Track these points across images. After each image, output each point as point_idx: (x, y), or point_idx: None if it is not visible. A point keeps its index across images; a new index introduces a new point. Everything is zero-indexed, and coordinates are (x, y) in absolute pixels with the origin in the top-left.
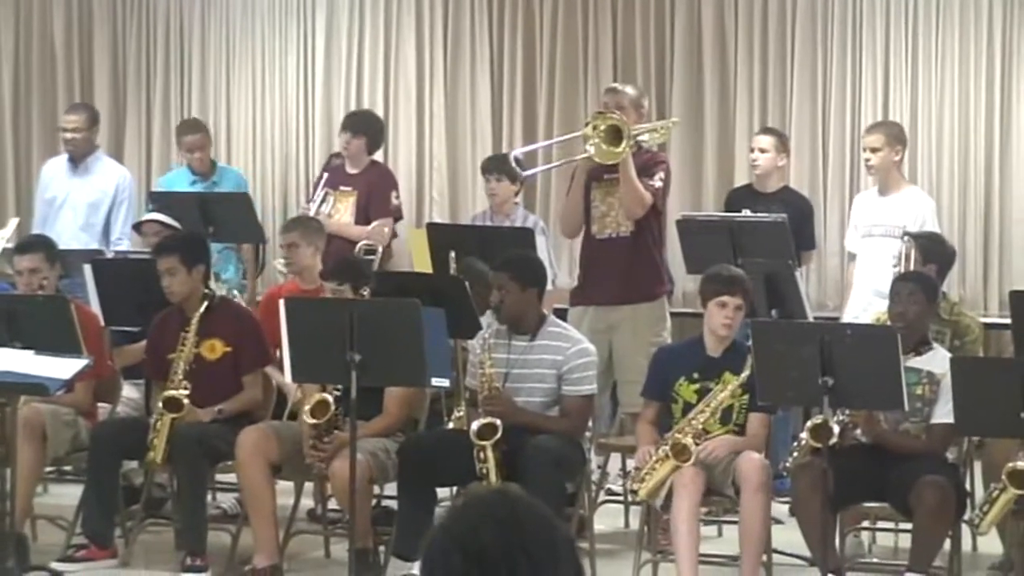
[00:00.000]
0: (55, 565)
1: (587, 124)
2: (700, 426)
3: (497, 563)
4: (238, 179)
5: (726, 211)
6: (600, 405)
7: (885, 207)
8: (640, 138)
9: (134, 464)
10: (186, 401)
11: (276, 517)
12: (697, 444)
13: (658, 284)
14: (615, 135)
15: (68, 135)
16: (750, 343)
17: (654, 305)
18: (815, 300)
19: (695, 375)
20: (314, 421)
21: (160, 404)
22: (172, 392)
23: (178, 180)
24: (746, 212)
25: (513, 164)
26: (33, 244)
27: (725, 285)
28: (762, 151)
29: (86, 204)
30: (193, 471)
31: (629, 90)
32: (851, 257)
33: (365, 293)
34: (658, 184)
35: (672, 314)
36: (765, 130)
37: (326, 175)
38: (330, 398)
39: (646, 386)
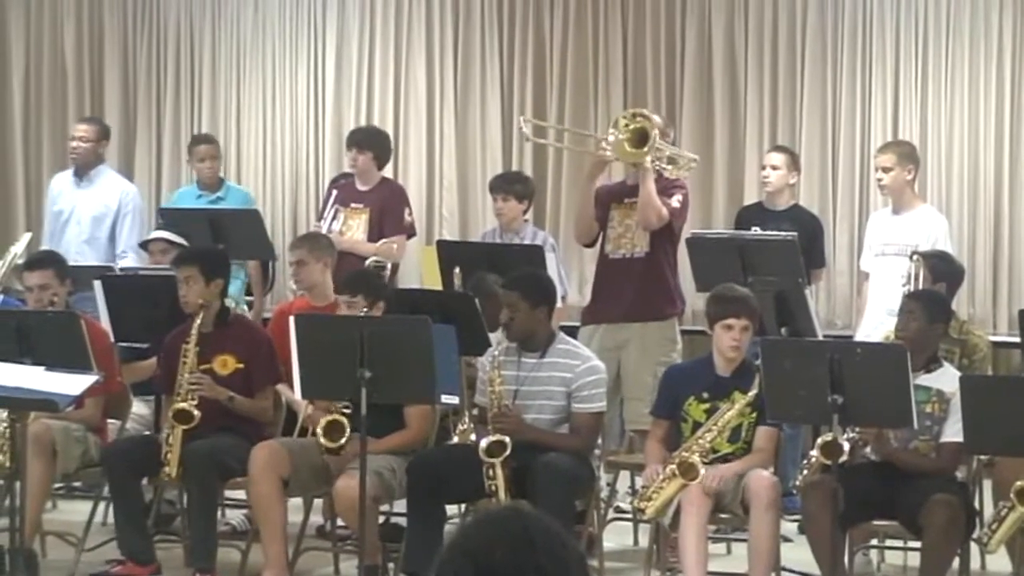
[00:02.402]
0: None
1: (623, 115)
2: (708, 445)
3: None
4: (245, 199)
5: (736, 228)
6: (609, 422)
7: (898, 226)
8: (662, 166)
9: (143, 481)
10: (196, 412)
11: (286, 533)
12: (705, 462)
13: (669, 305)
14: (640, 139)
15: (75, 143)
16: (759, 362)
17: (664, 325)
18: (824, 318)
19: (704, 394)
20: (332, 445)
21: (170, 416)
22: (182, 404)
23: (185, 196)
24: (756, 230)
25: (523, 126)
26: (43, 260)
27: (731, 307)
28: (774, 168)
29: (91, 218)
30: (204, 488)
31: (656, 118)
32: (865, 276)
33: (380, 306)
34: (676, 204)
35: (682, 332)
36: (777, 148)
37: (335, 192)
38: (344, 420)
39: (655, 404)
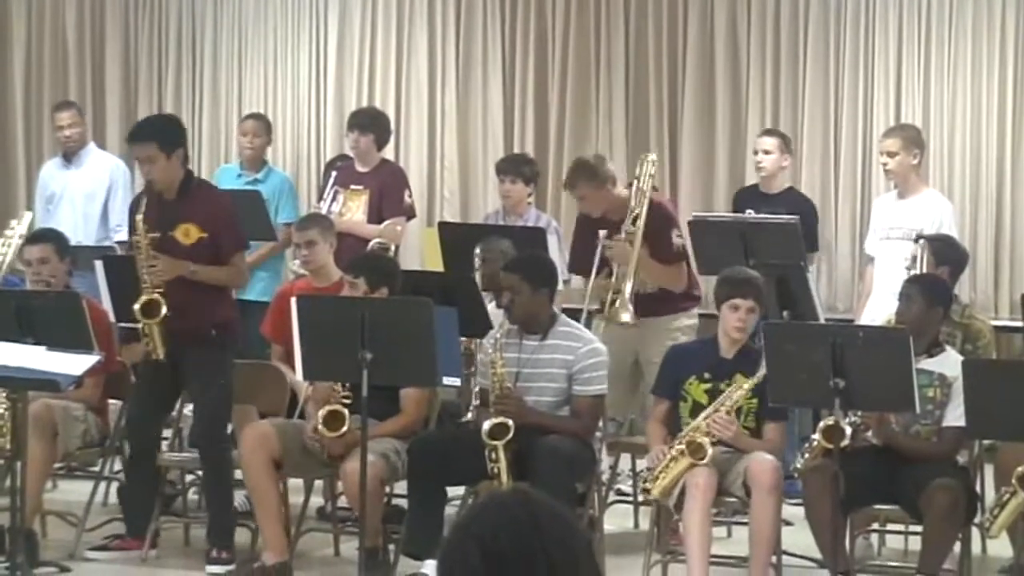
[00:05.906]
0: (90, 553)
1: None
2: None
3: (517, 564)
4: (283, 182)
5: (733, 210)
6: (611, 406)
7: (903, 210)
8: (644, 199)
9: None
10: (162, 301)
11: (282, 514)
12: (712, 443)
13: (690, 301)
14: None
15: (67, 132)
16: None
17: (684, 315)
18: (826, 302)
19: (706, 375)
20: (332, 435)
21: (138, 309)
22: (147, 296)
23: (226, 174)
24: (750, 212)
25: None
26: (44, 235)
27: (738, 288)
28: (766, 152)
29: (84, 195)
30: (216, 459)
31: (590, 168)
32: (869, 260)
33: (383, 291)
34: (677, 242)
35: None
36: (768, 131)
37: (335, 174)
38: (345, 411)
39: (657, 383)
